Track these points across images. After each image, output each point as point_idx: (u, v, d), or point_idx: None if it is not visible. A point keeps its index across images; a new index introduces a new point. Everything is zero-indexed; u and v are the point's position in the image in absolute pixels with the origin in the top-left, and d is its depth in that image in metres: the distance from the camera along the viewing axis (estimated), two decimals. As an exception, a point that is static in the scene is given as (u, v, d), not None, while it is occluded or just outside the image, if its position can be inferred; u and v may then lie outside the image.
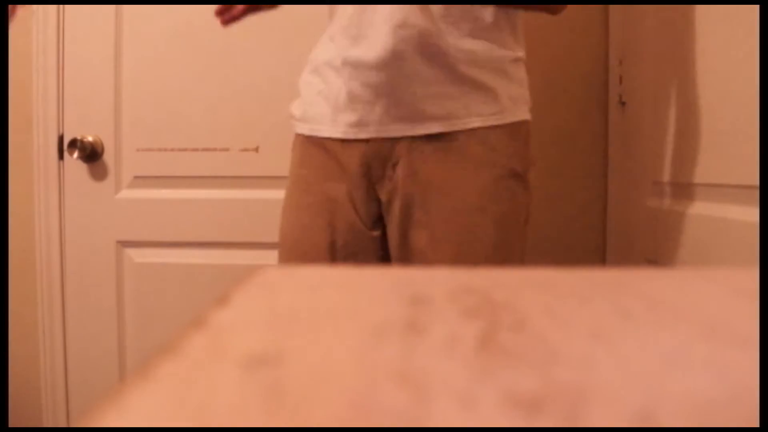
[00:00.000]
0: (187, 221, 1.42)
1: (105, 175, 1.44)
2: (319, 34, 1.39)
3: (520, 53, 0.93)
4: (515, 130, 0.91)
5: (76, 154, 1.40)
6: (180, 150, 1.42)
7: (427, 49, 0.86)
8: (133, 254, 1.45)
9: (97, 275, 1.44)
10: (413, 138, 0.89)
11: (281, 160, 1.42)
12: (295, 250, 0.94)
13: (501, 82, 0.89)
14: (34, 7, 1.43)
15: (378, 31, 0.87)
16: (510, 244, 0.90)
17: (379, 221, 0.94)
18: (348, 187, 0.92)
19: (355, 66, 0.89)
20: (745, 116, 0.84)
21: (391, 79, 0.87)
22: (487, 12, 0.88)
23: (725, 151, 0.91)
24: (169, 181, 1.43)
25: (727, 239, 0.89)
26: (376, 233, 0.94)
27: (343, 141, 0.92)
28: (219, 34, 1.42)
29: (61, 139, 1.44)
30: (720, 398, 0.15)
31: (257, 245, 1.41)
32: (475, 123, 0.88)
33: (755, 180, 0.80)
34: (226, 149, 1.41)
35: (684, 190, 1.04)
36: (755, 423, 0.14)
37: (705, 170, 0.98)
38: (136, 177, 1.44)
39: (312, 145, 0.95)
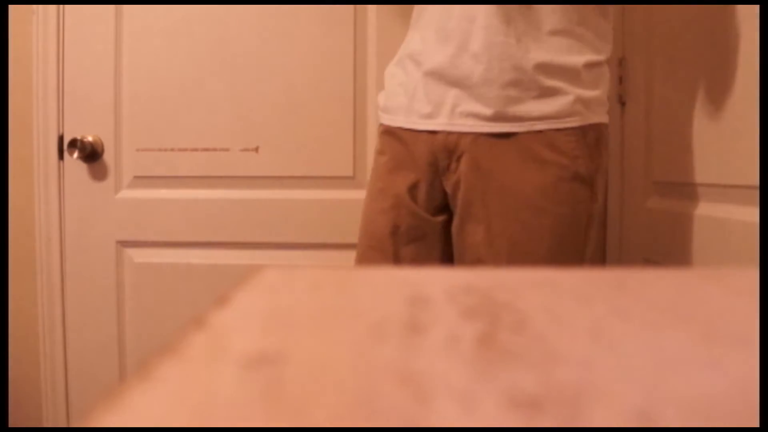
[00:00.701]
0: (187, 221, 1.42)
1: (105, 175, 1.44)
2: (317, 34, 1.40)
3: (598, 56, 0.91)
4: (585, 133, 0.90)
5: (76, 154, 1.40)
6: (180, 150, 1.42)
7: (500, 53, 0.87)
8: (133, 254, 1.45)
9: (97, 275, 1.44)
10: (479, 133, 0.90)
11: (281, 160, 1.42)
12: (366, 233, 1.00)
13: (573, 86, 0.89)
14: (34, 7, 1.43)
15: (459, 31, 0.89)
16: (568, 247, 0.89)
17: (445, 209, 0.96)
18: (416, 175, 0.95)
19: (432, 61, 0.92)
20: (745, 116, 0.84)
21: (464, 77, 0.89)
22: (554, 18, 0.88)
23: (725, 151, 0.91)
24: (169, 181, 1.43)
25: (727, 239, 0.89)
26: (441, 218, 0.96)
27: (414, 131, 0.95)
28: (219, 34, 1.43)
29: (61, 139, 1.44)
30: (720, 398, 0.15)
31: (257, 245, 1.41)
32: (542, 126, 0.88)
33: (755, 180, 0.80)
34: (226, 149, 1.41)
35: (684, 190, 1.04)
36: (755, 423, 0.14)
37: (705, 170, 0.98)
38: (136, 177, 1.44)
39: (389, 134, 0.99)
